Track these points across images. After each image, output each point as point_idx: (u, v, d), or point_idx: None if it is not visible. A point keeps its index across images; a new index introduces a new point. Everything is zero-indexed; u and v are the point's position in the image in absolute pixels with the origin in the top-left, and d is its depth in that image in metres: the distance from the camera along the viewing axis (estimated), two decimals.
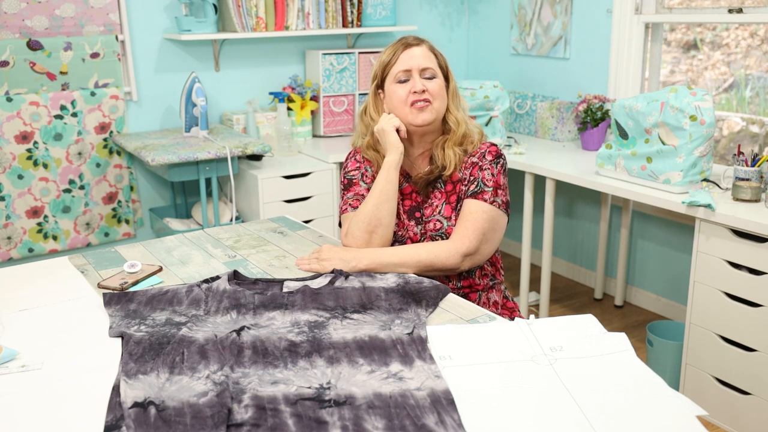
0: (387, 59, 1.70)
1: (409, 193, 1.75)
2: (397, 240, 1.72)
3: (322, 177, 3.13)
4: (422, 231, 1.70)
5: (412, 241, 1.70)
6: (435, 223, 1.68)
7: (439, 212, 1.69)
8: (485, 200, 1.64)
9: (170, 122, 3.41)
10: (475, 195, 1.64)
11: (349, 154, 1.84)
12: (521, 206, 3.17)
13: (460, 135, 1.70)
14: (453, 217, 1.68)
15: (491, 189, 1.65)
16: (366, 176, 1.77)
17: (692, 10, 3.05)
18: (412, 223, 1.72)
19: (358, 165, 1.79)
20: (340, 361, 1.16)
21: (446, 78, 1.73)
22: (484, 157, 1.69)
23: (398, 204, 1.72)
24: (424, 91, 1.66)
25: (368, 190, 1.75)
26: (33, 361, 1.21)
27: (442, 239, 1.66)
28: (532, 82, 3.74)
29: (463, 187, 1.69)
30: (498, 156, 1.69)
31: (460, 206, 1.68)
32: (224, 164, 2.94)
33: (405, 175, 1.76)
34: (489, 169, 1.67)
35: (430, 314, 1.37)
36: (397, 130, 1.70)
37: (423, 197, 1.72)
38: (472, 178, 1.67)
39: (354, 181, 1.77)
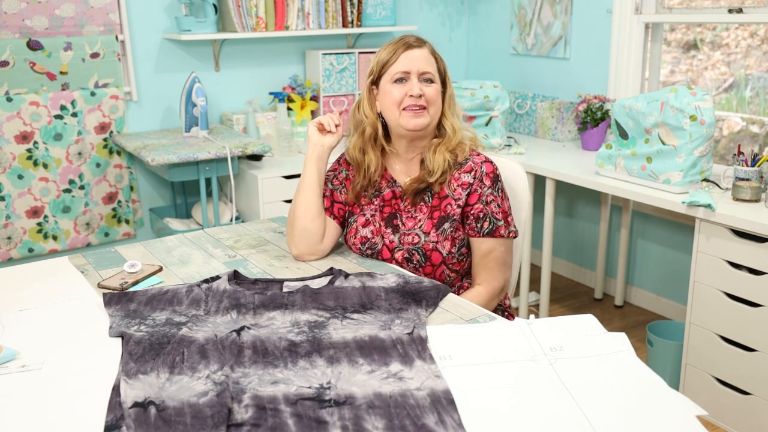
0: (386, 57, 1.65)
1: (389, 200, 1.71)
2: (370, 247, 1.69)
3: None
4: (400, 241, 1.66)
5: (388, 249, 1.67)
6: (413, 237, 1.65)
7: (420, 227, 1.65)
8: (502, 236, 1.66)
9: (170, 122, 3.41)
10: (492, 234, 1.65)
11: (341, 153, 1.82)
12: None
13: (454, 143, 1.67)
14: (432, 233, 1.64)
15: (503, 222, 1.66)
16: (337, 178, 1.76)
17: (692, 10, 3.05)
18: (389, 230, 1.68)
19: (335, 167, 1.78)
20: (340, 361, 1.16)
21: (444, 83, 1.69)
22: (482, 181, 1.64)
23: (377, 210, 1.70)
24: (420, 96, 1.62)
25: (332, 190, 1.75)
26: (33, 361, 1.21)
27: (419, 255, 1.63)
28: (532, 82, 3.74)
29: (454, 208, 1.64)
30: (496, 179, 1.66)
31: (451, 228, 1.64)
32: (224, 164, 2.94)
33: (390, 180, 1.72)
34: (494, 199, 1.65)
35: (430, 314, 1.37)
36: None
37: (409, 205, 1.68)
38: (479, 213, 1.63)
39: (325, 180, 1.77)
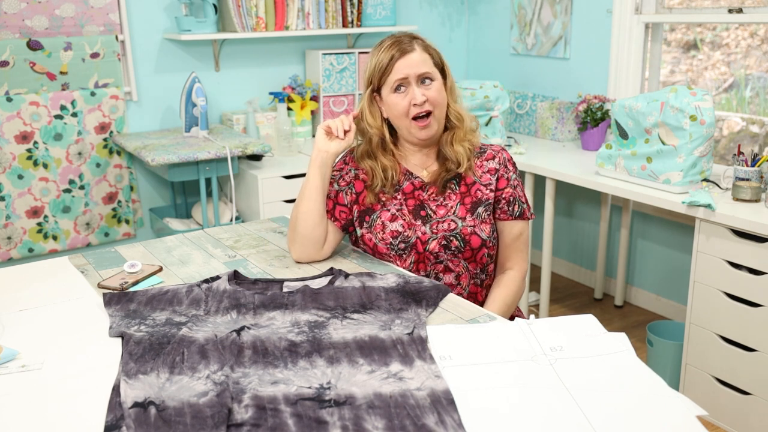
0: (383, 67, 1.65)
1: (411, 192, 1.71)
2: (403, 241, 1.67)
3: None
4: (432, 231, 1.66)
5: (421, 242, 1.65)
6: (449, 223, 1.66)
7: (454, 213, 1.67)
8: (528, 218, 1.75)
9: (170, 122, 3.41)
10: (521, 216, 1.73)
11: (346, 151, 1.79)
12: None
13: (467, 128, 1.71)
14: (468, 218, 1.66)
15: (526, 204, 1.75)
16: (343, 179, 1.74)
17: (692, 10, 3.05)
18: (419, 222, 1.67)
19: (341, 167, 1.76)
20: (340, 361, 1.16)
21: (443, 73, 1.70)
22: (506, 167, 1.72)
23: (402, 204, 1.70)
24: (425, 102, 1.63)
25: (337, 192, 1.73)
26: (33, 361, 1.21)
27: (457, 240, 1.65)
28: (532, 82, 3.74)
29: (486, 193, 1.69)
30: (515, 165, 1.76)
31: (486, 212, 1.68)
32: (224, 164, 2.94)
33: (407, 173, 1.72)
34: (518, 184, 1.74)
35: (430, 314, 1.37)
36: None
37: (435, 194, 1.69)
38: (509, 197, 1.70)
39: (330, 180, 1.73)
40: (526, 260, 1.78)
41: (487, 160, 1.72)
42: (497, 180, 1.71)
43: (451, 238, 1.65)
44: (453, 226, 1.66)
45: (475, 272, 1.70)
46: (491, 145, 1.76)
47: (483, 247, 1.67)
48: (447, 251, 1.65)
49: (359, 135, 1.74)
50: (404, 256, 1.67)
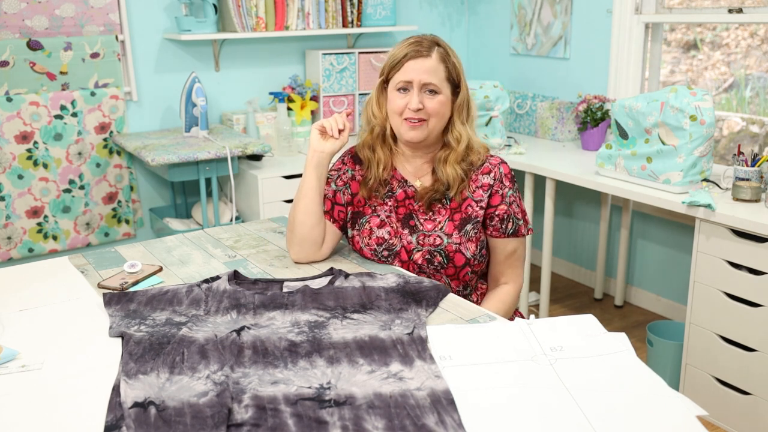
0: (395, 62, 1.63)
1: (402, 200, 1.69)
2: (387, 248, 1.66)
3: None
4: (418, 242, 1.64)
5: (406, 251, 1.65)
6: (435, 238, 1.63)
7: (441, 228, 1.64)
8: (523, 234, 1.70)
9: (170, 122, 3.41)
10: (516, 234, 1.68)
11: (345, 151, 1.79)
12: None
13: (461, 152, 1.65)
14: (455, 235, 1.63)
15: (522, 221, 1.70)
16: (340, 179, 1.73)
17: (692, 10, 3.05)
18: (406, 231, 1.66)
19: (339, 167, 1.75)
20: (340, 361, 1.16)
21: (457, 88, 1.66)
22: (502, 182, 1.67)
23: (392, 211, 1.69)
24: (419, 110, 1.60)
25: (335, 192, 1.72)
26: (33, 361, 1.21)
27: (441, 256, 1.62)
28: (532, 82, 3.74)
29: (476, 210, 1.65)
30: (513, 179, 1.70)
31: (474, 229, 1.64)
32: (224, 164, 2.94)
33: (401, 180, 1.71)
34: (515, 200, 1.68)
35: (430, 314, 1.37)
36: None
37: (424, 209, 1.67)
38: (503, 214, 1.65)
39: (328, 180, 1.73)
40: (521, 275, 1.74)
41: (483, 174, 1.67)
42: (490, 196, 1.66)
43: (435, 254, 1.63)
44: (438, 241, 1.63)
45: (457, 289, 1.67)
46: (491, 156, 1.70)
47: (467, 265, 1.64)
48: (430, 265, 1.64)
49: (364, 124, 1.73)
50: (387, 263, 1.67)
